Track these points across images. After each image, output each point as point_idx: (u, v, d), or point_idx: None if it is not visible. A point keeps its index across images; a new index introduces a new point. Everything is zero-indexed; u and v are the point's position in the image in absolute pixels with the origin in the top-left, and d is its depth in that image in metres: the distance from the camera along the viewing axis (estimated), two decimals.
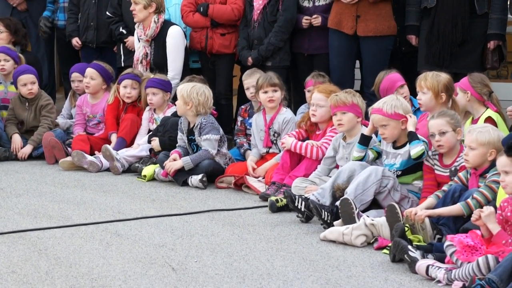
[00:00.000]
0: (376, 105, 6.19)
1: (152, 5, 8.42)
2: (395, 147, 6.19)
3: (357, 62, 8.33)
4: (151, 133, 8.08)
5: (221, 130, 7.56)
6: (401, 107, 6.12)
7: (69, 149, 8.24)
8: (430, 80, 6.39)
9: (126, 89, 8.41)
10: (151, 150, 7.99)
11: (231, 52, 8.61)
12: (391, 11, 7.97)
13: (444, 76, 6.42)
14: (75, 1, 9.45)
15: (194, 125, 7.49)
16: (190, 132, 7.53)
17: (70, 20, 9.51)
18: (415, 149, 5.94)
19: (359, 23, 7.90)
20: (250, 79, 7.84)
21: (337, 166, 6.63)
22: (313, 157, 6.86)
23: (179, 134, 7.61)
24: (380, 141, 6.33)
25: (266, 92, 7.42)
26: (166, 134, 7.82)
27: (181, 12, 8.71)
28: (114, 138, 8.31)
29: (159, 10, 8.47)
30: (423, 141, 6.00)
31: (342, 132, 6.65)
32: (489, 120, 6.20)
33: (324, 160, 6.76)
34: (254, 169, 7.34)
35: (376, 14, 7.88)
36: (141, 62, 8.57)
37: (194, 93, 7.41)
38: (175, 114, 7.92)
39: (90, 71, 8.69)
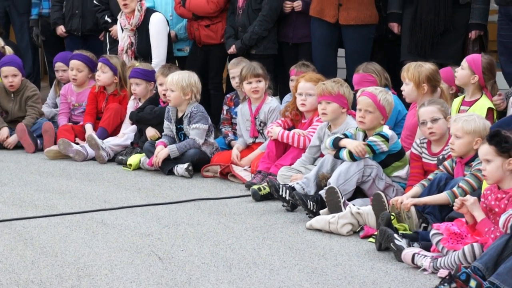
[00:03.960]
0: (372, 90, 6.14)
1: None
2: (364, 138, 6.15)
3: (342, 51, 8.31)
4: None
5: (209, 120, 7.54)
6: (390, 105, 6.11)
7: None
8: (412, 71, 6.38)
9: (96, 73, 8.39)
10: (132, 142, 7.98)
11: (220, 42, 8.57)
12: (373, 0, 7.97)
13: (427, 67, 6.38)
14: None
15: (183, 114, 7.45)
16: (179, 121, 7.51)
17: (54, 8, 9.45)
18: (344, 155, 5.95)
19: (341, 12, 7.89)
20: (236, 69, 7.79)
21: (321, 155, 6.61)
22: (300, 146, 6.85)
23: (166, 123, 7.57)
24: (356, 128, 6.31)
25: (250, 82, 7.38)
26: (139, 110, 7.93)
27: (174, 2, 8.74)
28: (89, 127, 8.23)
29: None
30: (344, 134, 6.06)
31: (326, 121, 6.63)
32: (490, 111, 6.22)
33: (309, 149, 6.74)
34: (238, 157, 7.30)
35: (358, 3, 7.88)
36: (126, 52, 8.52)
37: (193, 81, 7.38)
38: (151, 101, 7.92)
39: (75, 63, 8.62)
